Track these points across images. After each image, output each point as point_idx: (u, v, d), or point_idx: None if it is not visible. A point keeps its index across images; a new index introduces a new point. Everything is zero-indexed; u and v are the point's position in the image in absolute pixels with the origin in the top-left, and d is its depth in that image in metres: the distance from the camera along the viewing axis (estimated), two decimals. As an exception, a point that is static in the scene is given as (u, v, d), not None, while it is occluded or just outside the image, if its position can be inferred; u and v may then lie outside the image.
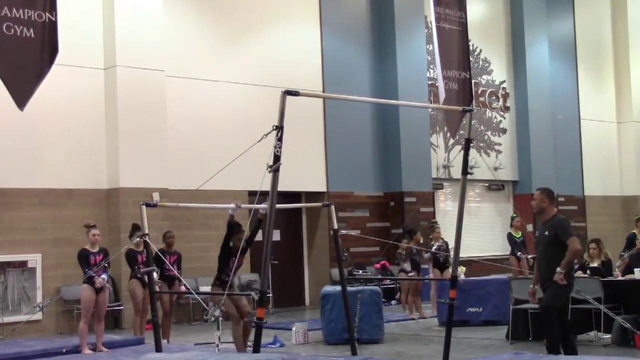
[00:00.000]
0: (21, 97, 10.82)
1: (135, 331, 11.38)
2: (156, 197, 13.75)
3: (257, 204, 8.23)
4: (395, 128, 18.37)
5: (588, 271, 10.88)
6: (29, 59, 10.93)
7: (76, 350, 10.19)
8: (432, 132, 19.47)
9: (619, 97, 24.43)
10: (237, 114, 15.84)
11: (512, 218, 15.54)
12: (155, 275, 8.97)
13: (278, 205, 7.59)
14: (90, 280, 10.04)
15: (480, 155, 20.22)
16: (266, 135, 6.74)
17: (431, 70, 19.15)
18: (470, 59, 17.94)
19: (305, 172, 16.82)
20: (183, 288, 11.26)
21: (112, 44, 14.19)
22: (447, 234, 14.44)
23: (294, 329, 11.14)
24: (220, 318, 7.99)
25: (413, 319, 13.61)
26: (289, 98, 6.72)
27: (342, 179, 17.60)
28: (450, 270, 10.90)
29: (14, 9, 10.80)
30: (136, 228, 10.58)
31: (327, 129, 17.52)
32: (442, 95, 16.11)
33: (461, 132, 17.15)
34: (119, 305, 13.69)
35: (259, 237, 9.31)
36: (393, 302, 16.78)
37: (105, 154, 14.21)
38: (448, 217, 18.66)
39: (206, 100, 15.63)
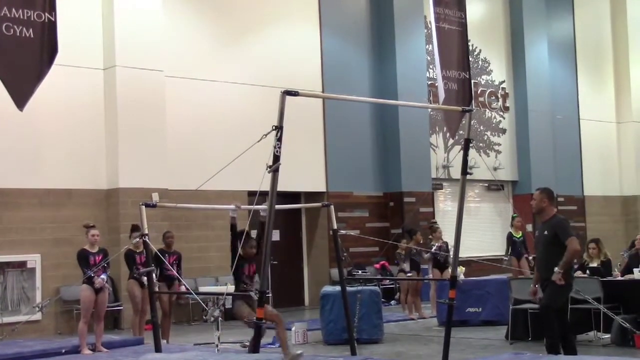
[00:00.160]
0: (21, 98, 10.82)
1: (134, 331, 11.38)
2: (155, 197, 13.66)
3: (256, 204, 8.21)
4: (394, 128, 18.37)
5: (587, 271, 10.88)
6: (28, 59, 10.93)
7: (75, 350, 10.19)
8: (432, 132, 19.47)
9: (619, 97, 24.44)
10: (237, 114, 15.84)
11: (513, 218, 15.53)
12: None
13: (277, 206, 7.58)
14: (89, 281, 10.03)
15: (480, 156, 20.21)
16: (265, 135, 6.73)
17: (430, 71, 19.16)
18: (470, 59, 17.96)
19: (305, 172, 16.82)
20: (183, 288, 11.25)
21: (111, 44, 14.18)
22: (447, 234, 14.44)
23: (293, 329, 11.12)
24: (220, 318, 7.98)
25: (412, 319, 13.61)
26: (288, 98, 6.71)
27: (341, 179, 17.60)
28: (449, 270, 10.90)
29: (14, 9, 10.81)
30: (135, 229, 10.58)
31: (326, 129, 17.52)
32: (441, 95, 16.12)
33: (461, 132, 17.17)
34: (118, 306, 13.69)
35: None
36: (392, 302, 16.78)
37: (105, 154, 14.21)
38: (447, 217, 18.67)
39: (206, 101, 15.62)
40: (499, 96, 21.48)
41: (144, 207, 8.15)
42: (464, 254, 14.68)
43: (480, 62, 21.05)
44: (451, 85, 16.27)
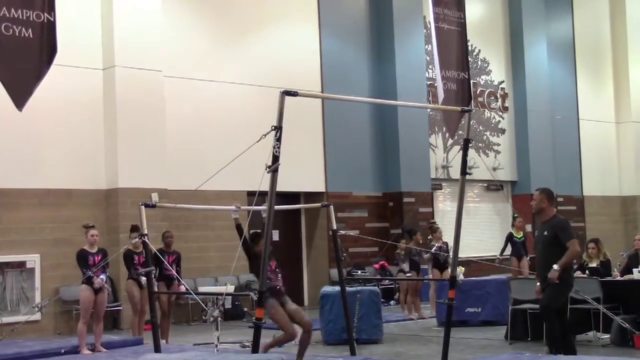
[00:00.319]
0: (20, 98, 10.80)
1: (133, 331, 11.38)
2: (155, 197, 13.67)
3: (256, 204, 8.20)
4: (394, 128, 18.37)
5: (587, 271, 10.88)
6: (27, 59, 10.91)
7: (75, 350, 10.19)
8: (431, 132, 19.47)
9: (618, 97, 24.45)
10: (236, 114, 15.84)
11: (514, 218, 15.55)
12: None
13: (277, 207, 7.57)
14: (89, 281, 10.03)
15: (479, 156, 20.18)
16: (265, 135, 6.72)
17: (430, 71, 19.16)
18: (469, 59, 17.97)
19: (304, 173, 16.82)
20: (182, 288, 11.25)
21: (110, 44, 14.18)
22: (446, 234, 14.44)
23: (292, 329, 11.10)
24: (219, 318, 7.97)
25: (412, 319, 13.61)
26: (287, 98, 6.71)
27: (340, 179, 17.60)
28: (449, 270, 10.90)
29: (13, 9, 10.79)
30: (135, 229, 10.57)
31: (325, 129, 17.52)
32: (440, 95, 16.12)
33: (460, 132, 17.15)
34: (117, 306, 13.68)
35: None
36: (392, 302, 16.77)
37: (104, 154, 14.21)
38: (447, 218, 18.68)
39: (205, 101, 15.62)
40: (498, 96, 21.48)
41: (143, 207, 8.16)
42: (463, 254, 14.69)
43: (479, 62, 21.05)
44: (450, 85, 16.27)
